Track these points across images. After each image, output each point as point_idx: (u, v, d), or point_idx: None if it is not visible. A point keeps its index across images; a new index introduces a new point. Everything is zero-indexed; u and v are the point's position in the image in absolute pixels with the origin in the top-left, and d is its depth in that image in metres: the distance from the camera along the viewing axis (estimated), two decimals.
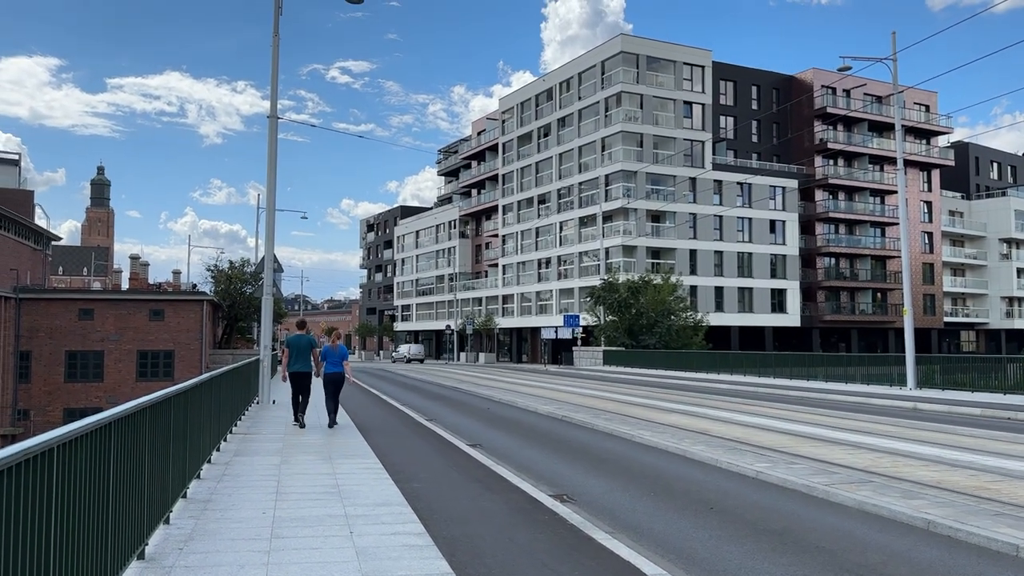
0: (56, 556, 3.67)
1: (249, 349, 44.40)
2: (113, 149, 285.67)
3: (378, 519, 7.18)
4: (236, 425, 14.34)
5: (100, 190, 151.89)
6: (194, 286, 49.72)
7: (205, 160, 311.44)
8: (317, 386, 15.26)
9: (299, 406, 14.75)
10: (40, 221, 47.03)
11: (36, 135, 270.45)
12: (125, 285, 54.74)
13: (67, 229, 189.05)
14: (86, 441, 4.14)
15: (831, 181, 67.05)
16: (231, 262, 47.20)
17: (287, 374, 14.81)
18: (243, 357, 33.59)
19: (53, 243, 52.17)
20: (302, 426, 14.48)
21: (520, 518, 7.57)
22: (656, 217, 59.78)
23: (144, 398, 5.74)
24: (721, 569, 6.26)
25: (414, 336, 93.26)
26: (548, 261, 66.48)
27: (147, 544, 5.80)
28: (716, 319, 57.39)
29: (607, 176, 59.55)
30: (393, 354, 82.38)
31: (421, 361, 74.02)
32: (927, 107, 73.20)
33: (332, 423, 14.73)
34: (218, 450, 11.15)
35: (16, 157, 53.19)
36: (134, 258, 57.12)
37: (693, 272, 59.76)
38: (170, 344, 40.88)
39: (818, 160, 67.27)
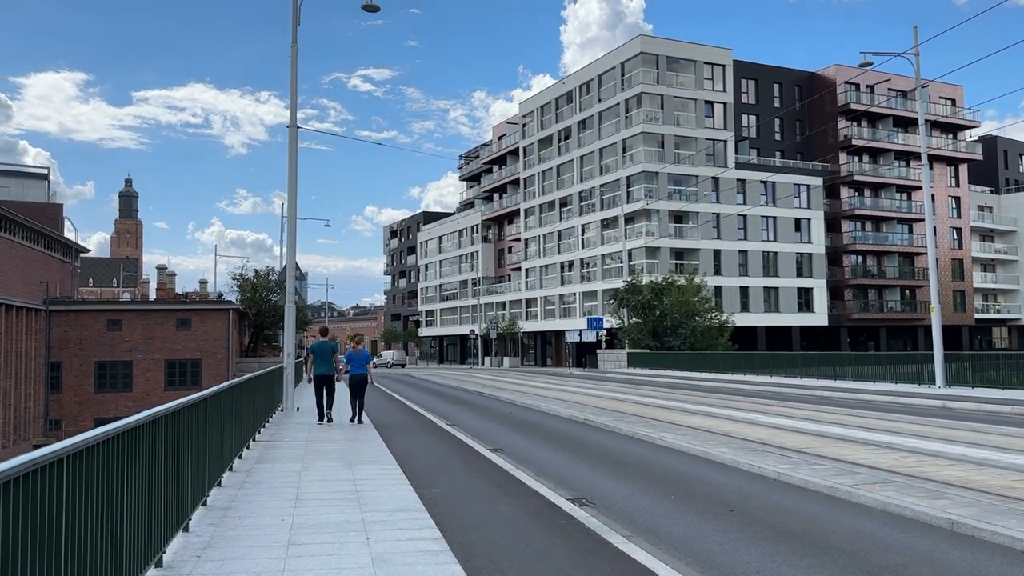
0: (68, 565, 3.72)
1: (275, 356, 44.74)
2: (140, 161, 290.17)
3: (395, 525, 7.20)
4: (260, 433, 14.45)
5: (128, 202, 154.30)
6: (220, 295, 50.26)
7: (230, 170, 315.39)
8: (341, 386, 16.77)
9: (323, 406, 16.29)
10: (69, 234, 47.77)
11: (65, 149, 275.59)
12: (153, 296, 55.44)
13: (96, 241, 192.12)
14: (97, 451, 4.19)
15: (856, 178, 66.29)
16: (256, 271, 47.76)
17: (312, 376, 16.40)
18: (269, 364, 33.86)
19: (84, 255, 52.99)
20: (330, 421, 16.25)
21: (538, 523, 7.55)
22: (679, 218, 59.45)
23: (160, 407, 5.81)
24: (739, 572, 6.20)
25: (439, 341, 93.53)
26: (571, 264, 66.37)
27: (164, 552, 5.85)
28: (742, 319, 56.95)
29: (628, 178, 59.35)
30: (375, 360, 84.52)
31: (402, 366, 77.36)
32: (953, 101, 72.15)
33: (356, 420, 16.35)
34: (240, 458, 11.24)
35: (45, 171, 54.09)
36: (161, 268, 57.85)
37: (717, 272, 59.35)
38: (197, 353, 41.34)
39: (843, 157, 66.56)
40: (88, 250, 51.98)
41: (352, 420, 16.30)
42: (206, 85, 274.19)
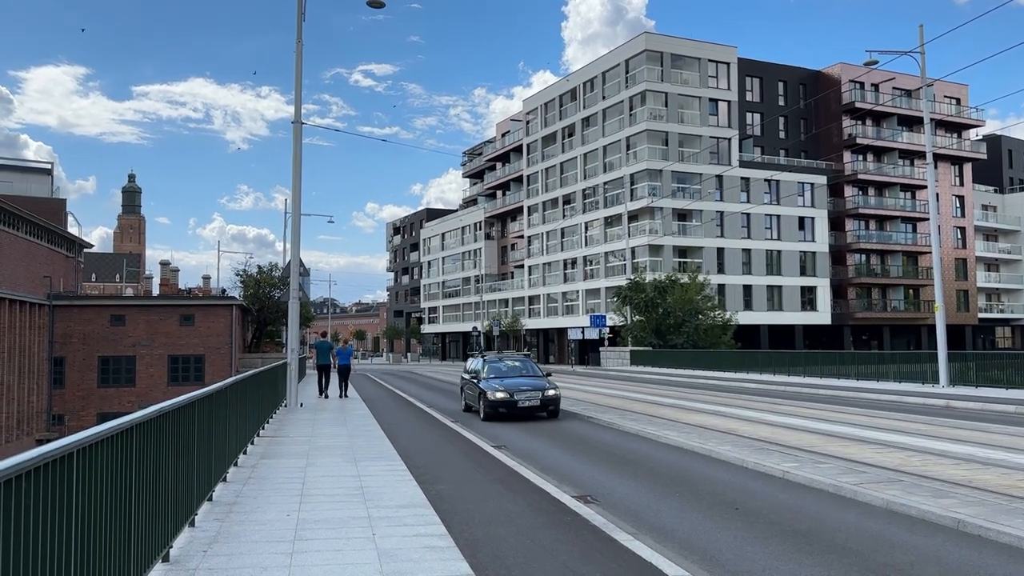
0: (78, 558, 3.72)
1: (279, 353, 44.79)
2: (141, 156, 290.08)
3: (401, 521, 7.20)
4: (264, 428, 14.47)
5: (131, 197, 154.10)
6: (223, 291, 50.27)
7: (232, 165, 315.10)
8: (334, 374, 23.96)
9: (322, 386, 23.10)
10: (72, 229, 47.80)
11: (66, 143, 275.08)
12: (156, 291, 55.46)
13: (99, 236, 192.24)
14: (107, 445, 4.19)
15: (860, 177, 66.13)
16: (259, 267, 47.67)
17: (316, 364, 24.01)
18: (272, 361, 33.90)
19: (86, 250, 53.01)
20: (327, 397, 22.60)
21: (543, 519, 7.55)
22: (682, 215, 59.39)
23: (167, 402, 5.81)
24: (745, 570, 6.20)
25: (441, 338, 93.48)
26: (574, 261, 66.33)
27: (171, 547, 5.86)
28: (745, 318, 56.85)
29: (632, 175, 59.28)
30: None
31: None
32: (957, 100, 71.94)
33: (343, 396, 22.89)
34: (245, 453, 11.25)
35: (48, 166, 53.99)
36: (164, 264, 57.88)
37: (721, 270, 59.28)
38: (200, 349, 41.36)
39: (847, 155, 66.40)
40: (91, 245, 52.03)
41: (340, 396, 22.74)
42: (206, 80, 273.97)
